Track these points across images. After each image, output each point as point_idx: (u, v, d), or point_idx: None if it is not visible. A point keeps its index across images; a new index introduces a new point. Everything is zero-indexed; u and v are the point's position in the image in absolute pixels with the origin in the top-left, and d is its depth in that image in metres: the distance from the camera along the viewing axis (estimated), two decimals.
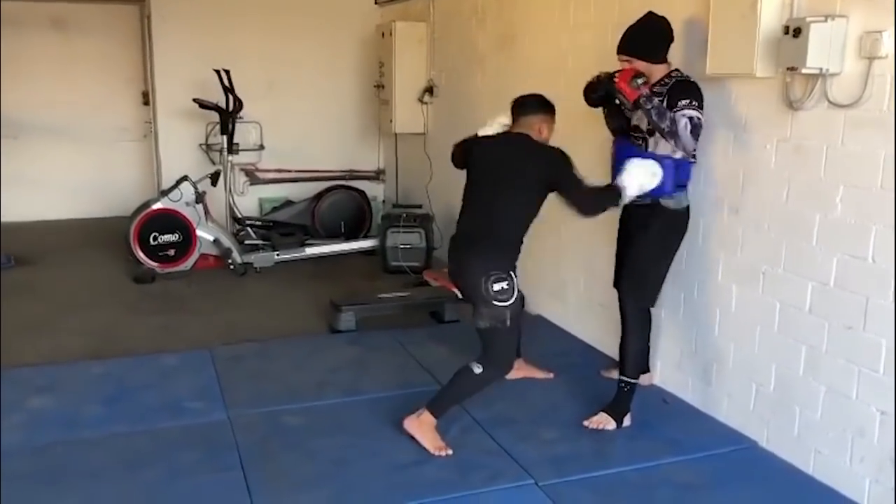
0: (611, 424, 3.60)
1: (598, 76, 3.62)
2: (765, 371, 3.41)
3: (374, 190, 7.84)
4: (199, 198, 6.20)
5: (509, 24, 5.37)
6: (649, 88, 3.41)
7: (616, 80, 3.47)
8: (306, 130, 7.75)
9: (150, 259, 6.11)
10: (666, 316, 3.96)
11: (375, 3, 7.70)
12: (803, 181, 3.16)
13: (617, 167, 3.56)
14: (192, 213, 6.17)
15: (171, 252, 6.17)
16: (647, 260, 3.62)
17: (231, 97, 6.68)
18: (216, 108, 6.67)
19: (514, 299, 3.30)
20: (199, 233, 6.19)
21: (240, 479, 3.11)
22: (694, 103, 3.33)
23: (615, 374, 3.74)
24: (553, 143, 3.46)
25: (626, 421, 3.65)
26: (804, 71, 2.94)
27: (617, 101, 3.59)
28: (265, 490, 3.03)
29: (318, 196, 7.08)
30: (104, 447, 3.35)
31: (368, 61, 7.47)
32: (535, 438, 3.50)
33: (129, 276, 6.04)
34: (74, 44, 8.02)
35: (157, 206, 6.15)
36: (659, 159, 3.39)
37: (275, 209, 7.27)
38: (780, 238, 3.29)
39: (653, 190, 3.37)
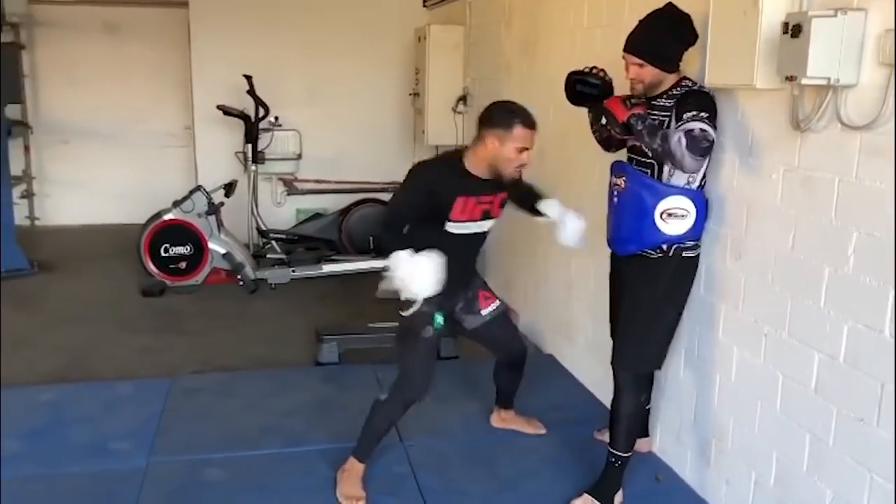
0: None
1: (591, 68, 2.93)
2: (765, 459, 2.71)
3: None
4: (213, 209, 5.89)
5: (532, 29, 4.78)
6: (647, 105, 2.79)
7: (607, 105, 2.86)
8: (346, 140, 7.39)
9: (161, 271, 5.86)
10: (666, 374, 3.29)
11: (424, 4, 7.25)
12: (812, 223, 2.46)
13: (613, 198, 2.94)
14: (204, 225, 5.88)
15: (182, 265, 5.90)
16: (651, 320, 2.92)
17: (257, 104, 6.37)
18: (241, 115, 6.38)
19: (412, 312, 2.94)
20: (211, 246, 5.89)
21: None
22: (701, 114, 2.65)
23: (608, 438, 3.10)
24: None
25: (618, 498, 3.02)
26: (804, 81, 2.24)
27: (603, 121, 2.94)
28: None
29: (347, 209, 6.66)
30: None
31: (410, 68, 7.01)
32: None
33: (139, 289, 5.79)
34: (125, 48, 7.92)
35: (168, 216, 5.89)
36: (686, 195, 2.76)
37: (301, 222, 6.91)
38: (784, 293, 2.59)
39: (676, 235, 2.77)
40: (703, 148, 2.62)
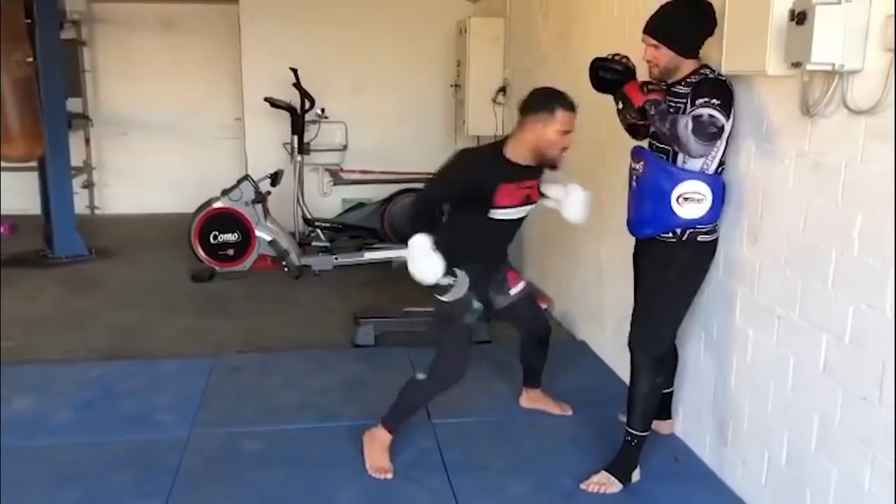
0: (613, 486, 3.04)
1: (614, 55, 3.04)
2: (777, 439, 2.76)
3: None
4: (259, 198, 6.10)
5: (566, 20, 4.86)
6: (666, 91, 2.87)
7: (625, 89, 2.95)
8: (390, 131, 7.56)
9: (210, 257, 6.10)
10: (688, 356, 3.35)
11: None
12: (821, 207, 2.51)
13: (632, 183, 3.03)
14: (251, 213, 6.10)
15: (230, 251, 6.13)
16: (666, 303, 3.01)
17: (302, 96, 6.56)
18: (287, 107, 6.58)
19: (449, 297, 3.07)
20: (257, 233, 6.10)
21: None
22: (713, 101, 2.70)
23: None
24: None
25: (635, 476, 3.10)
26: (809, 67, 2.29)
27: (620, 106, 3.03)
28: None
29: (389, 199, 6.81)
30: (48, 458, 3.23)
31: (452, 60, 7.12)
32: (498, 493, 3.04)
33: (189, 274, 6.04)
34: (180, 43, 8.20)
35: (217, 204, 6.12)
36: (703, 179, 2.83)
37: (346, 211, 7.09)
38: (795, 276, 2.64)
39: (691, 219, 2.84)
40: (709, 133, 2.68)
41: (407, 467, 3.21)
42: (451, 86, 6.78)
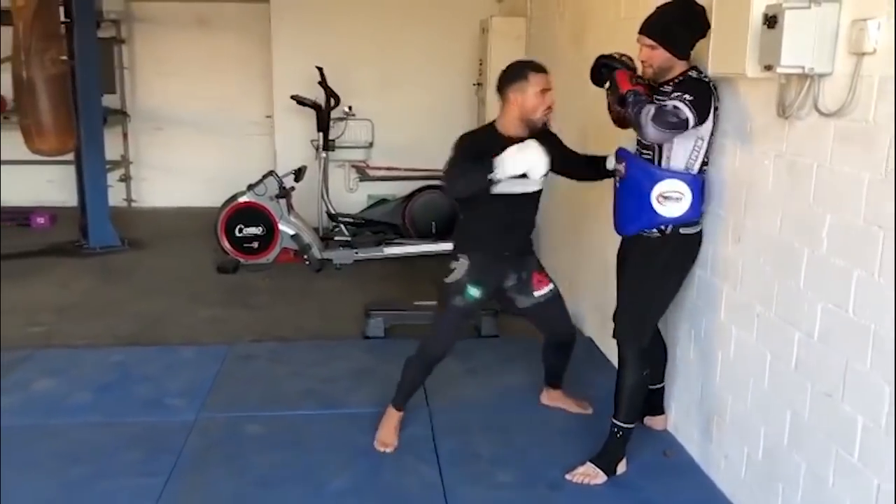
0: (598, 478, 3.11)
1: (620, 55, 3.16)
2: (755, 435, 2.81)
3: None
4: (283, 193, 6.27)
5: (580, 20, 4.92)
6: (654, 91, 2.94)
7: (616, 74, 3.04)
8: (415, 128, 7.66)
9: (235, 250, 6.28)
10: (679, 352, 3.41)
11: None
12: (795, 207, 2.55)
13: (616, 182, 3.11)
14: (275, 208, 6.26)
15: (255, 244, 6.30)
16: (650, 295, 3.10)
17: (327, 94, 6.71)
18: (313, 105, 6.74)
19: (449, 280, 3.26)
20: (281, 227, 6.27)
21: (157, 488, 3.02)
22: (685, 96, 2.76)
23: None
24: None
25: (621, 468, 3.17)
26: (779, 70, 2.35)
27: (607, 86, 3.15)
28: None
29: (410, 196, 6.93)
30: (62, 437, 3.41)
31: (476, 59, 7.21)
32: (485, 481, 3.13)
33: (215, 266, 6.24)
34: (214, 41, 8.40)
35: (243, 199, 6.30)
36: (682, 178, 2.90)
37: (368, 207, 7.23)
38: (773, 275, 2.69)
39: (672, 217, 2.92)
40: (668, 121, 2.73)
41: (401, 453, 3.33)
42: (474, 84, 6.86)
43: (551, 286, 3.48)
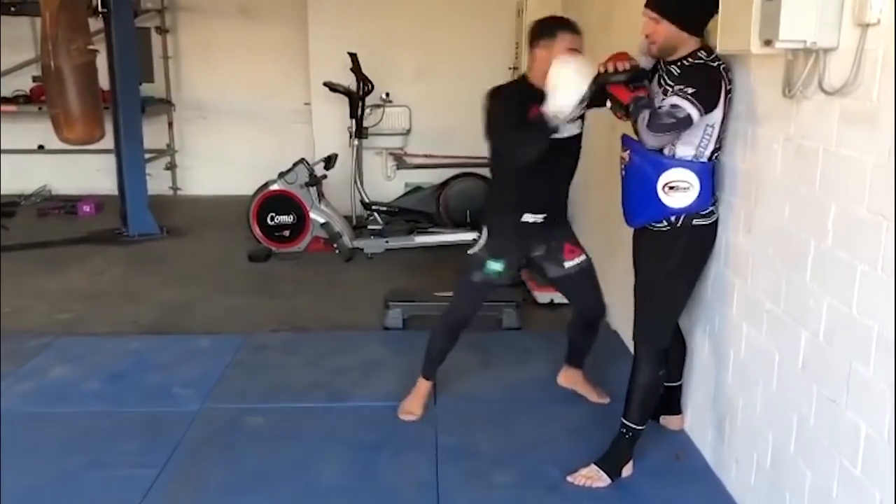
0: (601, 481, 2.96)
1: (601, 66, 2.90)
2: (763, 439, 2.62)
3: None
4: (314, 181, 6.22)
5: (608, 2, 4.72)
6: (664, 70, 2.76)
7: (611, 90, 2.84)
8: (452, 115, 7.46)
9: (267, 238, 6.27)
10: (695, 349, 3.22)
11: None
12: (803, 195, 2.35)
13: (621, 171, 2.93)
14: (305, 196, 6.22)
15: (286, 233, 6.28)
16: (668, 293, 2.92)
17: (360, 81, 6.63)
18: (346, 91, 6.67)
19: (474, 251, 3.27)
20: (311, 215, 6.23)
21: (148, 479, 2.99)
22: (686, 90, 2.58)
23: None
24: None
25: (626, 471, 3.01)
26: (778, 45, 2.15)
27: (608, 106, 2.93)
28: (159, 498, 2.90)
29: (445, 183, 6.80)
30: (65, 425, 3.42)
31: (512, 43, 7.04)
32: (481, 481, 3.01)
33: (247, 254, 6.24)
34: (256, 30, 8.39)
35: (274, 187, 6.28)
36: (689, 167, 2.72)
37: (403, 195, 7.13)
38: (781, 268, 2.48)
39: (680, 208, 2.74)
40: (665, 124, 2.56)
41: (400, 449, 3.24)
42: (510, 68, 6.69)
43: (583, 257, 3.38)
